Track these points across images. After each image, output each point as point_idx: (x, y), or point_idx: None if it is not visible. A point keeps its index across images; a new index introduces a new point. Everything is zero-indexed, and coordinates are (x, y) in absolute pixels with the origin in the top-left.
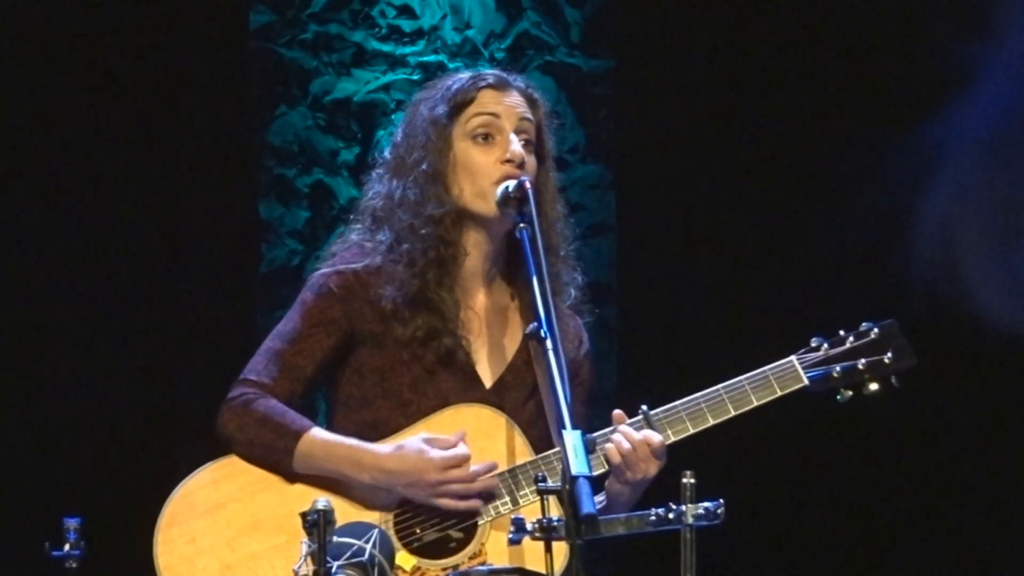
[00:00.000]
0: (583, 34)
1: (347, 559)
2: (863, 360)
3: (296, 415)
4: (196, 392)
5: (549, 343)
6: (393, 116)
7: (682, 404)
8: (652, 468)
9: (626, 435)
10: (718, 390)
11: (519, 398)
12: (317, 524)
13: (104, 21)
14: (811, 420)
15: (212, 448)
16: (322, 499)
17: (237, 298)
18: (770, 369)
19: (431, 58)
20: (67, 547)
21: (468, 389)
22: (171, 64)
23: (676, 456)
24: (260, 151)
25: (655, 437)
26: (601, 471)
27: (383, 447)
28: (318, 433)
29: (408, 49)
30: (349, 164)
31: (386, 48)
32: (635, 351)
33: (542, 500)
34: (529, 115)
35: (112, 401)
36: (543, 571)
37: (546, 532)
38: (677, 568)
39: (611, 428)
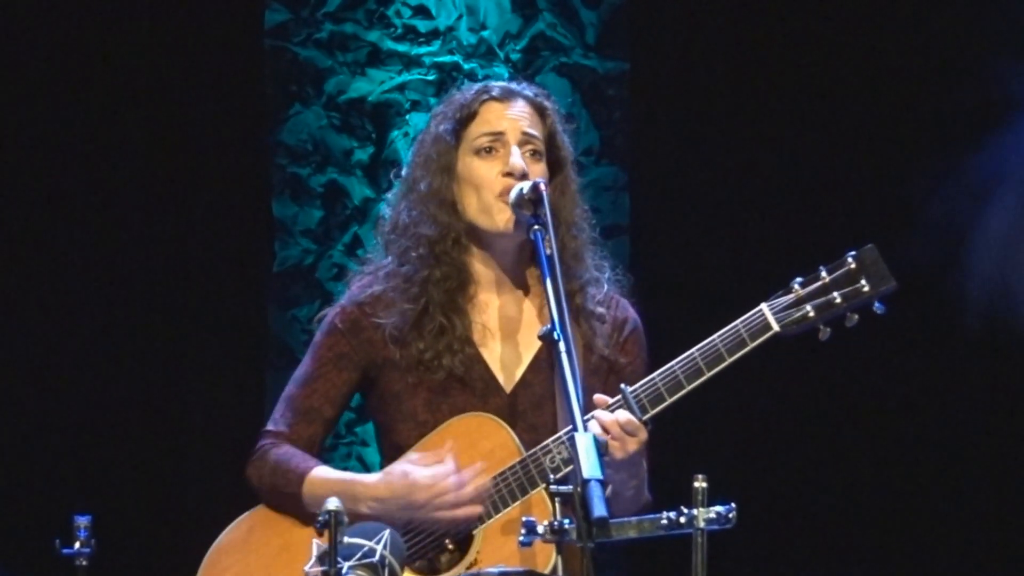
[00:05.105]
0: (598, 36)
1: (358, 560)
2: (837, 293)
3: (302, 458)
4: (207, 391)
5: (562, 345)
6: (407, 116)
7: (659, 374)
8: (630, 446)
9: (598, 419)
10: (692, 353)
11: (541, 395)
12: (328, 524)
13: (119, 20)
14: (825, 422)
15: (219, 448)
16: (333, 499)
17: (250, 297)
18: (741, 322)
19: (446, 58)
20: (77, 545)
21: (486, 397)
22: (186, 62)
23: (687, 459)
24: (274, 150)
25: (623, 416)
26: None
27: (372, 476)
28: (318, 473)
29: (423, 49)
30: (363, 164)
31: (401, 48)
32: (649, 353)
33: (555, 503)
34: (533, 129)
35: (123, 399)
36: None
37: (557, 535)
38: (688, 571)
39: (590, 415)
